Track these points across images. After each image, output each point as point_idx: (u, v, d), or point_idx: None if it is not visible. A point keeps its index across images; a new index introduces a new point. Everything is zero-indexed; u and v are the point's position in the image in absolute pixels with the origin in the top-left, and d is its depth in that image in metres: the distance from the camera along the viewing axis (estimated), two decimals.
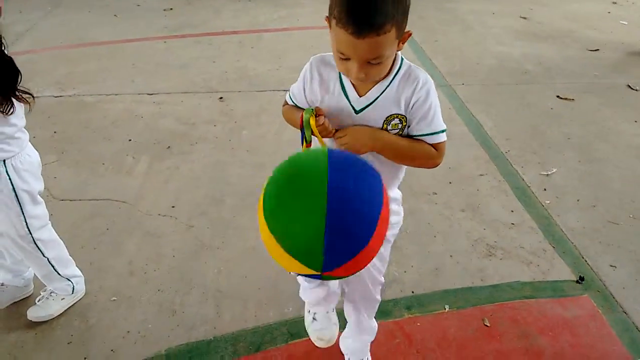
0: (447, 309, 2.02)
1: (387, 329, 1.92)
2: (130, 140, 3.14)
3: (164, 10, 5.52)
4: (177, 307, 2.01)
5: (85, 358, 1.82)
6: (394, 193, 1.40)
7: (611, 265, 2.27)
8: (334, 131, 1.23)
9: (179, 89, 3.79)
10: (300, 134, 1.23)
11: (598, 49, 4.74)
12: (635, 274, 2.23)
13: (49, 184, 2.53)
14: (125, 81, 3.90)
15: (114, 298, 2.05)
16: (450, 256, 2.30)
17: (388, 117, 1.21)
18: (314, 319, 1.70)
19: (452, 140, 3.16)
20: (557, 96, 3.81)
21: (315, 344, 1.70)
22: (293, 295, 2.05)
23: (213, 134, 3.23)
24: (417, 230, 2.44)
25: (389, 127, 1.21)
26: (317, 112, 1.20)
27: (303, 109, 1.25)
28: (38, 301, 1.95)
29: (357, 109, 1.22)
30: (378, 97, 1.20)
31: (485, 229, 2.46)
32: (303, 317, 1.95)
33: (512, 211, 2.59)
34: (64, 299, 1.96)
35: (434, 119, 1.22)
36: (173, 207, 2.57)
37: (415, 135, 1.23)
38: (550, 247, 2.36)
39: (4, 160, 1.60)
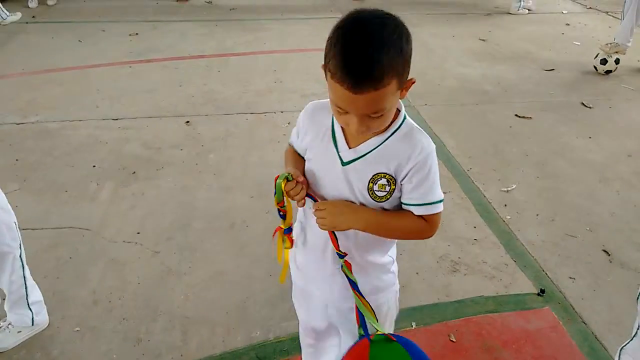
0: (414, 326, 2.06)
1: None
2: (94, 166, 3.10)
3: (129, 35, 5.51)
4: (143, 335, 1.99)
5: None
6: (384, 258, 1.29)
7: (570, 277, 2.35)
8: (304, 199, 1.16)
9: (144, 113, 3.78)
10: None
11: (553, 69, 4.95)
12: (593, 284, 2.31)
13: None
14: (90, 107, 3.86)
15: (77, 328, 2.01)
16: (417, 273, 2.34)
17: (375, 175, 1.11)
18: None
19: None
20: (516, 115, 3.96)
21: None
22: (261, 319, 2.07)
23: (179, 158, 3.23)
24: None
25: (375, 187, 1.11)
26: (294, 178, 1.14)
27: (300, 155, 1.24)
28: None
29: (345, 160, 1.12)
30: (369, 152, 1.11)
31: (449, 245, 2.52)
32: (271, 340, 1.96)
33: (474, 227, 2.66)
34: (20, 331, 1.92)
35: (431, 189, 1.12)
36: (138, 233, 2.54)
37: (405, 203, 1.14)
38: (512, 261, 2.43)
39: None
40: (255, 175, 3.04)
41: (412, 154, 1.09)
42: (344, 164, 1.13)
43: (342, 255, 1.16)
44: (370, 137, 1.10)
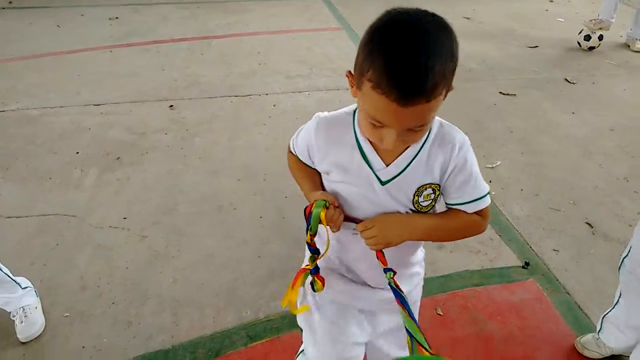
0: None
1: None
2: (78, 152, 3.06)
3: (109, 19, 5.41)
4: (133, 318, 1.99)
5: None
6: (418, 256, 1.24)
7: (554, 250, 2.39)
8: (342, 220, 1.05)
9: (127, 98, 3.74)
10: (306, 223, 1.06)
11: (537, 46, 4.97)
12: (577, 256, 2.36)
13: None
14: (71, 93, 3.80)
15: (66, 314, 2.01)
16: None
17: (420, 187, 1.02)
18: None
19: None
20: (500, 92, 3.97)
21: None
22: (250, 299, 2.08)
23: (164, 142, 3.20)
24: None
25: (421, 199, 1.03)
26: (330, 203, 1.03)
27: (307, 165, 1.14)
28: (20, 323, 1.90)
29: (384, 180, 1.02)
30: (408, 165, 1.00)
31: None
32: (261, 319, 1.97)
33: None
34: (37, 307, 1.95)
35: (476, 183, 1.04)
36: (125, 218, 2.53)
37: (454, 204, 1.06)
38: (497, 235, 2.47)
39: None
40: (241, 158, 3.03)
41: (452, 155, 1.01)
42: (383, 183, 1.02)
43: (389, 270, 1.05)
44: (406, 149, 1.00)
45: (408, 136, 0.91)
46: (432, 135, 1.01)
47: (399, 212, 1.04)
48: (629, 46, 4.94)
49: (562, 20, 5.75)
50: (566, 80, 4.21)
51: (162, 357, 1.84)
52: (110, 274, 2.19)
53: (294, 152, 1.18)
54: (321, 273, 1.17)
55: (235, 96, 3.74)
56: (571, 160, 3.10)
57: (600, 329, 1.86)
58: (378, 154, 1.01)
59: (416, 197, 1.02)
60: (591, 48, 4.80)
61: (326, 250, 1.08)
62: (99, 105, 3.63)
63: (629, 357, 1.79)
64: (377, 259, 1.06)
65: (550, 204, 2.70)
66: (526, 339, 1.94)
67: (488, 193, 1.07)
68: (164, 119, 3.47)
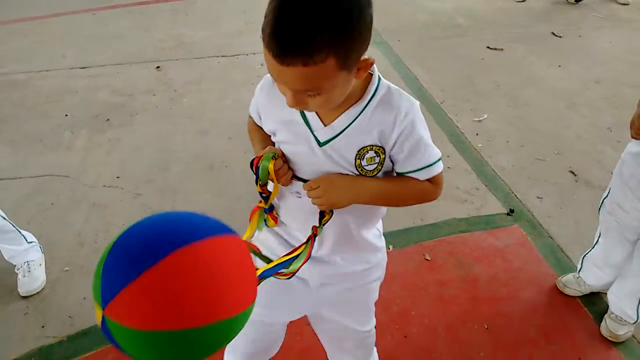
0: (391, 249, 2.16)
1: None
2: (67, 115, 3.07)
3: None
4: None
5: (43, 326, 1.84)
6: (371, 234, 1.17)
7: (538, 197, 2.47)
8: (291, 176, 1.03)
9: (113, 60, 3.71)
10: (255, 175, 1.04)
11: (525, 0, 4.94)
12: (560, 202, 2.44)
13: None
14: (56, 56, 3.76)
15: (66, 268, 2.07)
16: None
17: (361, 149, 0.97)
18: None
19: None
20: (488, 47, 3.99)
21: None
22: None
23: (153, 103, 3.21)
24: None
25: (364, 163, 0.98)
26: (279, 156, 1.02)
27: (261, 128, 1.10)
28: (23, 277, 1.96)
29: (322, 140, 0.98)
30: (348, 126, 0.96)
31: None
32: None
33: (447, 156, 2.74)
34: (41, 264, 2.01)
35: (426, 150, 1.00)
36: (118, 177, 2.56)
37: (404, 172, 1.02)
38: (483, 185, 2.54)
39: None
40: (231, 117, 3.05)
41: (397, 119, 0.95)
42: (321, 144, 0.98)
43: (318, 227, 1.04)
44: (346, 110, 0.96)
45: (306, 100, 0.87)
46: (376, 99, 0.96)
47: (345, 175, 1.00)
48: None
49: None
50: (553, 34, 4.22)
51: None
52: (107, 230, 2.24)
53: (251, 117, 1.15)
54: (265, 236, 1.17)
55: (223, 56, 3.73)
56: (556, 112, 3.16)
57: (580, 268, 1.95)
58: (318, 115, 0.97)
59: (358, 161, 0.98)
60: (578, 0, 4.79)
61: (275, 192, 1.07)
62: (85, 68, 3.60)
63: (606, 294, 1.89)
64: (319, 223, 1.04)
65: (535, 154, 2.76)
66: (510, 280, 2.03)
67: (440, 159, 1.03)
68: (151, 80, 3.46)
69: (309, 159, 1.00)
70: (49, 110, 3.12)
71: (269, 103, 1.03)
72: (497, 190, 2.51)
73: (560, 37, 4.18)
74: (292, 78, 0.82)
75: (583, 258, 1.94)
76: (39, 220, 2.30)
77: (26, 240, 2.00)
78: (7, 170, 2.60)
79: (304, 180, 1.02)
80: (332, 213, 1.04)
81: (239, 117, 3.02)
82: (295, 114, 0.98)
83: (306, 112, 0.97)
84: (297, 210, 1.09)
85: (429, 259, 2.12)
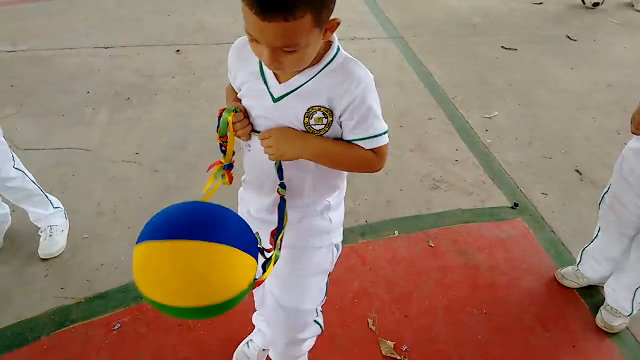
0: (397, 234, 2.24)
1: (343, 253, 2.09)
2: (89, 92, 3.16)
3: None
4: None
5: (62, 288, 1.94)
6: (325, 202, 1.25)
7: (543, 194, 2.53)
8: (249, 130, 1.12)
9: (134, 42, 3.80)
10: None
11: (542, 3, 4.98)
12: (564, 199, 2.50)
13: (11, 135, 2.58)
14: (80, 36, 3.86)
15: (85, 236, 2.16)
16: (401, 190, 2.50)
17: (310, 109, 1.05)
18: (247, 345, 1.73)
19: (404, 88, 3.36)
20: (502, 47, 4.03)
21: None
22: None
23: (172, 85, 3.30)
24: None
25: (312, 122, 1.06)
26: (240, 111, 1.11)
27: (236, 92, 1.18)
28: (44, 240, 2.06)
29: (276, 97, 1.07)
30: (301, 86, 1.05)
31: (432, 166, 2.67)
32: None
33: (456, 150, 2.81)
34: (64, 230, 2.11)
35: (374, 121, 1.07)
36: (137, 154, 2.66)
37: (352, 140, 1.09)
38: (490, 179, 2.60)
39: None
40: None
41: (349, 88, 1.03)
42: (275, 100, 1.07)
43: (282, 185, 1.14)
44: (302, 71, 1.04)
45: (282, 58, 0.94)
46: (333, 65, 1.04)
47: (297, 130, 1.08)
48: (633, 5, 4.96)
49: None
50: (568, 37, 4.26)
51: None
52: (126, 202, 2.34)
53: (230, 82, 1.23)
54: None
55: None
56: (566, 113, 3.21)
57: (580, 262, 2.02)
58: (274, 74, 1.06)
59: (307, 119, 1.06)
60: (595, 5, 4.82)
61: (230, 153, 1.19)
62: (107, 48, 3.70)
63: (603, 287, 1.96)
64: (275, 174, 1.13)
65: (543, 153, 2.82)
66: (511, 270, 2.11)
67: (386, 133, 1.10)
68: (171, 63, 3.55)
69: (264, 113, 1.10)
70: (72, 87, 3.22)
71: (237, 62, 1.13)
72: (503, 184, 2.57)
73: (575, 40, 4.22)
74: (273, 34, 0.89)
75: (582, 252, 2.01)
76: (61, 189, 2.39)
77: (52, 205, 2.10)
78: (31, 142, 2.70)
79: (259, 133, 1.11)
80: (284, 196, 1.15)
81: None
82: (255, 71, 1.08)
83: (265, 72, 1.07)
84: (250, 164, 1.22)
85: (432, 245, 2.19)
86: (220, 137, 1.15)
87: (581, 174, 2.67)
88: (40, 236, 2.09)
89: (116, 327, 1.81)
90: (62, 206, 2.15)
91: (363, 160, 1.11)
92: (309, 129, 1.08)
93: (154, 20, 4.17)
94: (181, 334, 1.79)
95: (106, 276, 1.99)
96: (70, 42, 3.76)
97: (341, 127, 1.09)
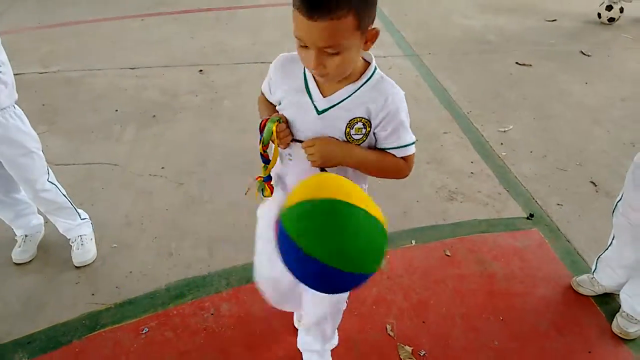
0: (413, 244, 2.29)
1: None
2: (116, 110, 3.31)
3: None
4: (173, 250, 2.24)
5: (93, 294, 2.03)
6: None
7: (558, 204, 2.57)
8: (290, 139, 1.21)
9: (159, 63, 3.96)
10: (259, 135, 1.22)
11: (556, 19, 5.05)
12: (579, 210, 2.53)
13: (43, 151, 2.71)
14: (107, 57, 4.04)
15: (114, 245, 2.26)
16: (417, 201, 2.57)
17: (352, 120, 1.16)
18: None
19: (419, 103, 3.44)
20: (517, 62, 4.10)
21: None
22: None
23: (195, 103, 3.43)
24: (387, 181, 2.69)
25: (352, 132, 1.17)
26: (283, 121, 1.19)
27: (271, 103, 1.27)
28: (77, 249, 2.17)
29: (320, 109, 1.17)
30: (344, 99, 1.16)
31: (447, 178, 2.73)
32: None
33: (471, 162, 2.86)
34: (92, 239, 2.22)
35: (404, 132, 1.20)
36: (162, 168, 2.77)
37: (384, 149, 1.22)
38: (505, 191, 2.65)
39: None
40: None
41: (385, 102, 1.15)
42: (319, 112, 1.17)
43: None
44: (344, 86, 1.15)
45: (327, 61, 1.04)
46: (371, 82, 1.16)
47: (337, 139, 1.18)
48: None
49: None
50: (582, 52, 4.31)
51: (200, 281, 2.08)
52: (152, 214, 2.44)
53: (262, 93, 1.34)
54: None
55: (262, 62, 3.94)
56: (581, 126, 3.25)
57: (595, 269, 2.05)
58: (318, 87, 1.16)
59: (348, 129, 1.17)
60: (611, 20, 4.86)
61: (273, 164, 1.26)
62: (134, 68, 3.86)
63: (618, 294, 1.99)
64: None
65: (558, 165, 2.87)
66: (526, 278, 2.14)
67: (413, 143, 1.22)
68: (194, 82, 3.69)
69: (307, 125, 1.19)
70: (100, 105, 3.37)
71: (281, 76, 1.22)
72: (518, 195, 2.62)
73: (589, 55, 4.27)
74: (319, 32, 0.99)
75: (597, 259, 2.04)
76: (91, 202, 2.51)
77: (80, 216, 2.21)
78: (62, 157, 2.83)
79: (301, 142, 1.20)
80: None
81: None
82: (300, 86, 1.18)
83: (309, 86, 1.17)
84: (292, 172, 1.28)
85: (449, 254, 2.24)
86: (263, 147, 1.21)
87: (596, 185, 2.71)
88: (71, 246, 2.19)
89: (144, 332, 1.90)
90: (88, 217, 2.26)
91: (395, 167, 1.23)
92: (349, 138, 1.18)
93: (177, 41, 4.34)
94: (207, 337, 1.86)
95: (134, 283, 2.08)
96: (98, 63, 3.94)
97: (375, 136, 1.21)
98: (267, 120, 1.19)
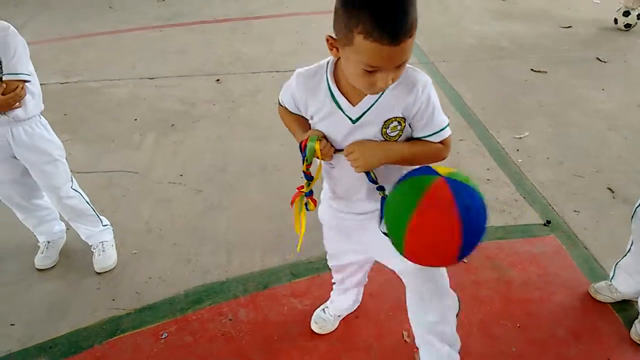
0: None
1: (377, 268, 2.17)
2: (136, 119, 3.38)
3: (157, 1, 5.72)
4: (192, 256, 2.28)
5: (113, 299, 2.08)
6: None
7: (575, 211, 2.56)
8: (333, 152, 1.25)
9: (177, 72, 4.04)
10: (301, 154, 1.25)
11: (571, 26, 5.03)
12: (597, 216, 2.52)
13: None
14: (126, 67, 4.13)
15: (134, 251, 2.31)
16: None
17: (386, 121, 1.19)
18: (323, 311, 1.94)
19: None
20: (531, 69, 4.10)
21: (312, 327, 1.93)
22: (294, 245, 2.32)
23: (213, 112, 3.48)
24: None
25: (388, 131, 1.20)
26: (322, 137, 1.22)
27: (295, 114, 1.32)
28: (98, 255, 2.22)
29: (354, 118, 1.20)
30: (374, 104, 1.18)
31: None
32: (303, 261, 2.23)
33: (488, 169, 2.87)
34: (113, 245, 2.27)
35: (439, 117, 1.22)
36: (181, 175, 2.82)
37: (422, 137, 1.24)
38: (521, 197, 2.65)
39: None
40: (284, 127, 3.26)
41: (417, 95, 1.17)
42: (354, 121, 1.20)
43: (380, 188, 1.27)
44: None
45: (395, 74, 1.08)
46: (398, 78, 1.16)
47: (374, 140, 1.22)
48: None
49: (598, 1, 5.76)
50: (598, 59, 4.29)
51: (218, 287, 2.11)
52: (171, 220, 2.49)
53: (282, 105, 1.36)
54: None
55: (277, 71, 4.00)
56: (597, 132, 3.24)
57: (613, 276, 2.03)
58: (345, 97, 1.19)
59: (384, 130, 1.20)
60: (628, 26, 4.83)
61: (317, 176, 1.31)
62: (152, 78, 3.94)
63: (636, 301, 1.97)
64: (367, 181, 1.27)
65: (574, 171, 2.85)
66: (543, 285, 2.14)
67: (448, 125, 1.26)
68: (212, 91, 3.75)
69: (344, 135, 1.22)
70: (120, 114, 3.44)
71: (306, 94, 1.24)
72: (535, 202, 2.61)
73: (605, 62, 4.24)
74: (401, 53, 1.02)
75: (615, 266, 2.03)
76: (112, 209, 2.56)
77: (102, 223, 2.26)
78: (84, 165, 2.90)
79: (341, 150, 1.24)
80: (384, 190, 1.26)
81: None
82: (328, 99, 1.20)
83: (336, 97, 1.19)
84: (337, 180, 1.36)
85: (465, 261, 2.24)
86: (306, 166, 1.26)
87: (613, 192, 2.69)
88: (93, 252, 2.24)
89: (163, 336, 1.93)
90: (109, 224, 2.31)
91: (434, 152, 1.26)
92: (386, 136, 1.22)
93: (194, 52, 4.42)
94: (224, 343, 1.89)
95: (154, 288, 2.12)
96: (117, 73, 4.03)
97: (410, 127, 1.24)
98: (306, 140, 1.22)
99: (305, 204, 1.40)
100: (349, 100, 1.19)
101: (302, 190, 1.36)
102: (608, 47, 4.53)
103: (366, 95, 1.17)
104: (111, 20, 5.19)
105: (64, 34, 4.83)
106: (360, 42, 1.00)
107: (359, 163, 1.20)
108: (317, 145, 1.21)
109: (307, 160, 1.24)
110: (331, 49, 1.12)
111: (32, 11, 5.47)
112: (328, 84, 1.20)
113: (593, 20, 5.19)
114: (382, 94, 1.16)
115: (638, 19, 4.81)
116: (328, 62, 1.23)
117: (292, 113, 1.34)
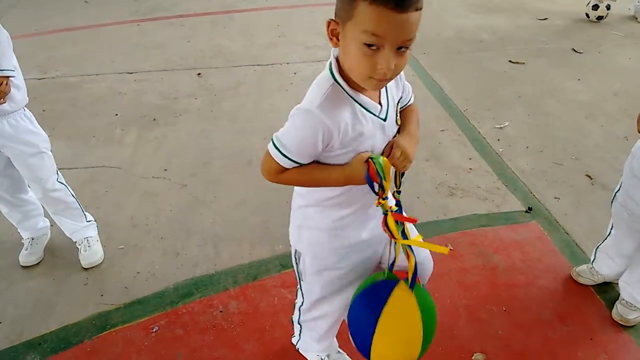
0: None
1: None
2: (117, 114, 3.33)
3: None
4: (180, 250, 2.27)
5: (101, 295, 2.06)
6: None
7: (555, 197, 2.62)
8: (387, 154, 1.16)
9: (157, 67, 3.99)
10: (369, 187, 1.12)
11: (547, 18, 5.13)
12: (576, 202, 2.59)
13: None
14: (105, 62, 4.07)
15: (121, 246, 2.29)
16: (417, 197, 2.61)
17: (396, 107, 1.21)
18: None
19: (416, 102, 3.47)
20: (510, 61, 4.17)
21: None
22: (281, 236, 2.34)
23: (195, 106, 3.46)
24: None
25: (397, 116, 1.21)
26: (383, 153, 1.15)
27: (309, 163, 1.13)
28: (84, 251, 2.19)
29: (383, 117, 1.15)
30: (387, 92, 1.17)
31: (447, 174, 2.78)
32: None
33: (470, 159, 2.91)
34: (98, 240, 2.25)
35: (407, 83, 1.28)
36: (165, 170, 2.80)
37: (407, 104, 1.28)
38: (503, 186, 2.70)
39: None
40: (267, 119, 3.28)
41: (400, 80, 1.23)
42: (384, 119, 1.15)
43: (398, 191, 1.21)
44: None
45: (398, 59, 0.99)
46: None
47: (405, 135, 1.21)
48: (636, 18, 5.08)
49: None
50: (573, 50, 4.38)
51: (208, 280, 2.11)
52: (157, 214, 2.47)
53: (294, 165, 1.13)
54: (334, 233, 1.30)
55: (258, 65, 3.98)
56: (575, 121, 3.31)
57: (594, 259, 2.10)
58: (371, 100, 1.12)
59: (397, 116, 1.20)
60: (599, 18, 4.95)
61: (388, 178, 1.14)
62: (132, 73, 3.89)
63: (617, 283, 2.04)
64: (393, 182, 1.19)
65: (554, 159, 2.92)
66: (527, 269, 2.19)
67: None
68: (193, 86, 3.72)
69: (383, 138, 1.16)
70: (100, 109, 3.39)
71: (339, 122, 1.07)
72: (516, 190, 2.67)
73: (580, 53, 4.34)
74: (406, 25, 0.95)
75: (596, 249, 2.09)
76: (96, 205, 2.53)
77: (86, 218, 2.24)
78: (65, 161, 2.85)
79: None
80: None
81: (273, 120, 3.25)
82: (358, 111, 1.09)
83: (365, 105, 1.10)
84: (354, 192, 1.22)
85: (451, 248, 2.28)
86: (385, 184, 1.11)
87: (592, 178, 2.76)
88: (78, 248, 2.22)
89: (154, 330, 1.92)
90: (94, 219, 2.28)
91: (417, 111, 1.31)
92: (398, 122, 1.21)
93: (174, 46, 4.38)
94: (216, 334, 1.89)
95: (142, 283, 2.11)
96: (96, 68, 3.97)
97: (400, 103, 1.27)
98: (372, 166, 1.10)
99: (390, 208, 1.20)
100: (372, 101, 1.12)
101: (382, 197, 1.15)
102: (583, 38, 4.64)
103: (379, 91, 1.13)
104: (87, 15, 5.10)
105: (39, 29, 4.73)
106: (364, 8, 0.93)
107: (408, 160, 1.15)
108: (384, 160, 1.11)
109: (384, 179, 1.10)
110: (331, 38, 1.05)
111: (5, 5, 5.34)
112: (348, 95, 1.09)
113: (568, 12, 5.30)
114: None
115: (608, 9, 4.92)
116: (331, 65, 1.11)
117: (308, 166, 1.14)
